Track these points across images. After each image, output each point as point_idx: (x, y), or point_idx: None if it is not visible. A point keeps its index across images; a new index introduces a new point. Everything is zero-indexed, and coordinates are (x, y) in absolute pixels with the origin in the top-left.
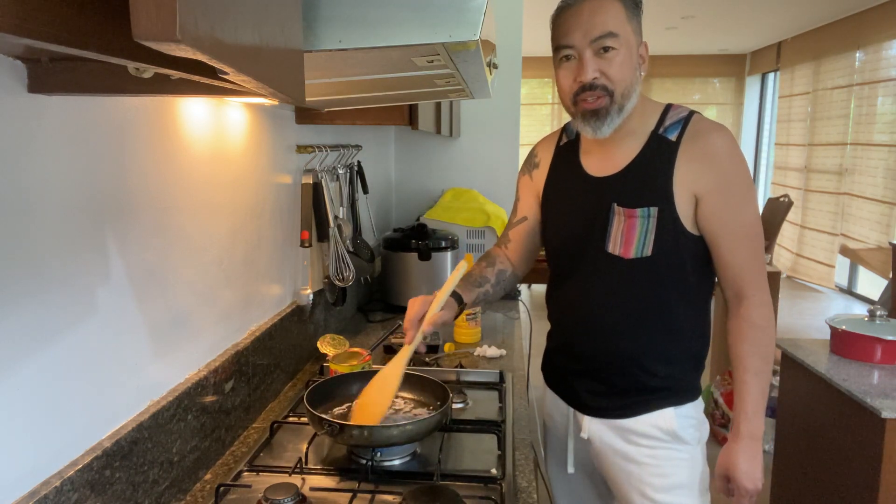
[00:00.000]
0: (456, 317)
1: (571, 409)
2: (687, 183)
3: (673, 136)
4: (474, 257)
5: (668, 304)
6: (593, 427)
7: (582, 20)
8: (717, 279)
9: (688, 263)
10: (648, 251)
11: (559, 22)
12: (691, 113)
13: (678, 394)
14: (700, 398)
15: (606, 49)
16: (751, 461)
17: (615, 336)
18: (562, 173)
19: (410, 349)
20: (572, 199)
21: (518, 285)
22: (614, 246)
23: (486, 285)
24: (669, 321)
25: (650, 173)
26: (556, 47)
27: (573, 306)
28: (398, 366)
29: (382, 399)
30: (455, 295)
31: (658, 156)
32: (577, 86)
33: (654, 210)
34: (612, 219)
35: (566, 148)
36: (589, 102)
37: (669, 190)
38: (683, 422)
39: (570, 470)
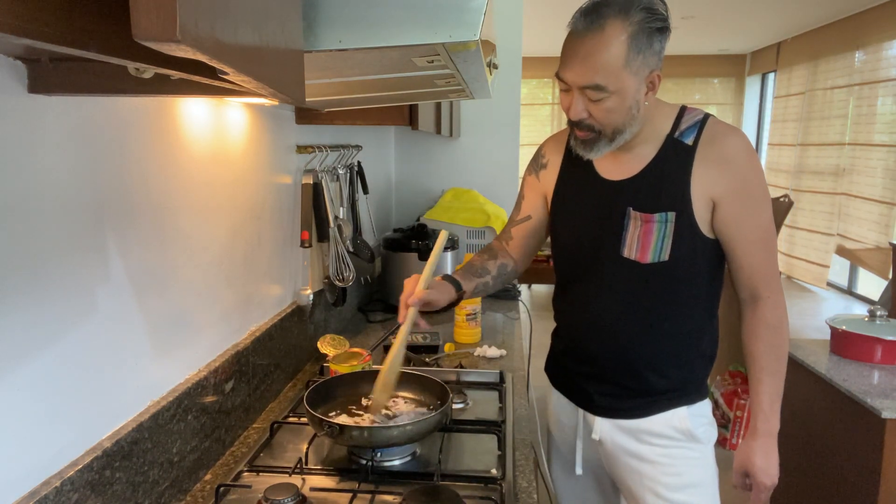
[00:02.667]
0: (453, 305)
1: (581, 411)
2: (704, 187)
3: (689, 140)
4: None
5: (681, 307)
6: (605, 428)
7: (577, 59)
8: (729, 280)
9: (703, 267)
10: (666, 256)
11: (563, 47)
12: (706, 116)
13: (689, 394)
14: (708, 398)
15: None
16: (767, 457)
17: (628, 340)
18: (573, 175)
19: (405, 326)
20: (585, 202)
21: (518, 285)
22: (630, 250)
23: (487, 277)
24: (682, 324)
25: (667, 178)
26: (556, 74)
27: (584, 309)
28: (396, 343)
29: (388, 373)
30: (454, 282)
31: (674, 160)
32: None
33: (671, 215)
34: (627, 223)
35: None
36: (579, 133)
37: (687, 194)
38: (696, 421)
39: (579, 471)
